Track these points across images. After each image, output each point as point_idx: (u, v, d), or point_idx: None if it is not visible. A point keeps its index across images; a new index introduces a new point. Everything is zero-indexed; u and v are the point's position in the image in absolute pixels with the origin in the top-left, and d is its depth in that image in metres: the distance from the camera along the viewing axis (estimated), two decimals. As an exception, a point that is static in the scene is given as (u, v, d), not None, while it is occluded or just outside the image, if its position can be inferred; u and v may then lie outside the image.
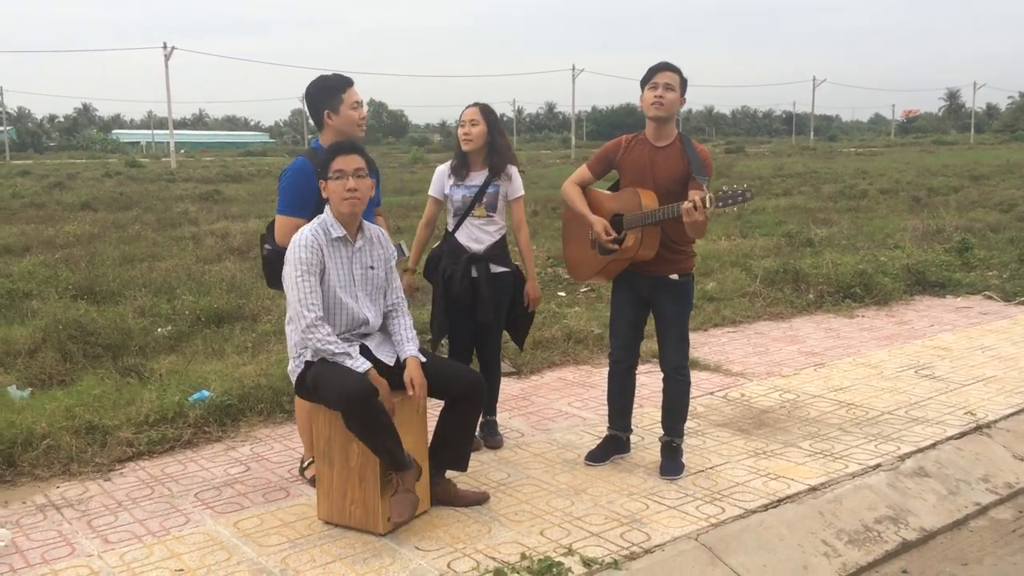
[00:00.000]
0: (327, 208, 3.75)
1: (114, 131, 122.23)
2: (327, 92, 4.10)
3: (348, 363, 3.60)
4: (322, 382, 3.61)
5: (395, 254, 3.99)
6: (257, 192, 24.49)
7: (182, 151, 70.31)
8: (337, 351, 3.61)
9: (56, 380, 5.90)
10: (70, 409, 4.93)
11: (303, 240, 3.66)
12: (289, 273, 3.64)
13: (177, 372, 5.89)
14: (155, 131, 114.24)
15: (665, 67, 4.23)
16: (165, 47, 51.19)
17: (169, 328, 7.24)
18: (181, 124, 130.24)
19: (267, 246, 4.16)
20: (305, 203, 3.96)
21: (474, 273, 4.60)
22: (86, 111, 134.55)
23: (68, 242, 12.90)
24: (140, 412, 4.97)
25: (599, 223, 4.26)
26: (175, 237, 13.80)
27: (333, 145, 3.77)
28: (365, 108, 4.22)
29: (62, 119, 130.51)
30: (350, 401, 3.49)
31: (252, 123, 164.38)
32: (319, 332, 3.61)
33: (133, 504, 4.09)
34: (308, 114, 4.27)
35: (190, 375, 5.73)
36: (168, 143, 55.31)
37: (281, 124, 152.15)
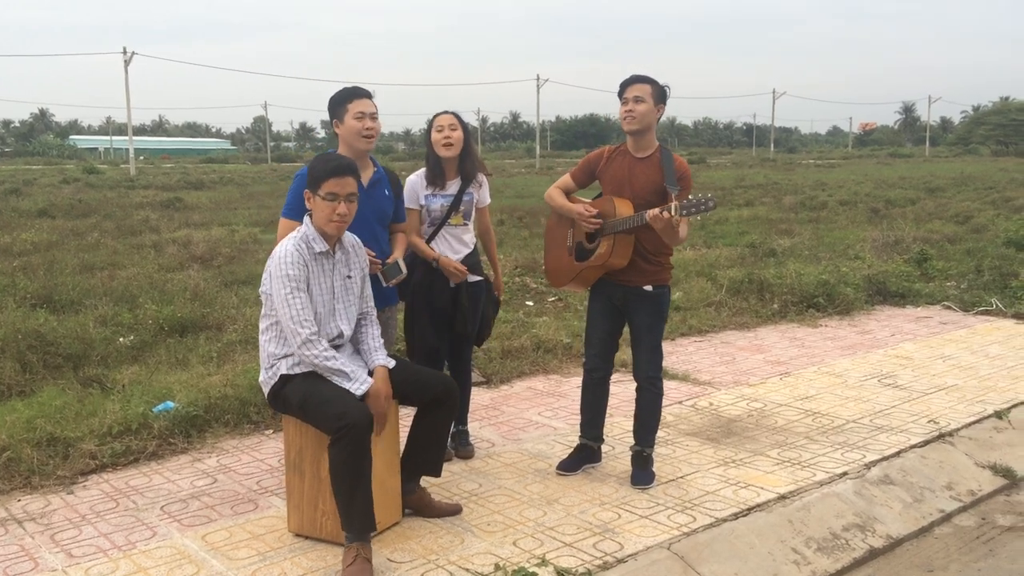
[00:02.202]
0: (307, 220, 3.70)
1: (71, 137, 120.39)
2: (336, 103, 4.11)
3: (346, 384, 3.55)
4: (313, 400, 3.53)
5: (367, 265, 3.95)
6: (219, 200, 24.18)
7: (141, 158, 69.34)
8: (335, 367, 3.56)
9: (15, 391, 5.75)
10: (30, 421, 4.82)
11: (288, 256, 3.58)
12: (278, 290, 3.56)
13: (140, 383, 5.79)
14: (113, 137, 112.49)
15: (634, 80, 4.26)
16: (125, 52, 50.47)
17: (131, 338, 7.11)
18: (140, 130, 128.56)
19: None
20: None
21: (452, 283, 4.59)
22: (42, 116, 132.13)
23: (25, 250, 12.63)
24: (103, 424, 4.87)
25: (579, 206, 4.34)
26: (136, 245, 13.59)
27: (330, 164, 3.63)
28: (376, 121, 4.10)
29: (17, 124, 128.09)
30: (350, 427, 3.40)
31: (213, 130, 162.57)
32: (316, 348, 3.55)
33: (97, 518, 4.00)
34: (314, 124, 4.25)
35: (154, 386, 5.64)
36: (127, 149, 54.46)
37: (243, 131, 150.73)
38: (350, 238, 3.85)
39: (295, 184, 4.04)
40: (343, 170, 3.62)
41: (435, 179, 4.60)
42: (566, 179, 4.53)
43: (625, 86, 4.26)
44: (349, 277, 3.80)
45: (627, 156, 4.34)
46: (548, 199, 4.53)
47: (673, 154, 4.33)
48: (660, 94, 4.26)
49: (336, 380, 3.56)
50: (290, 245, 3.62)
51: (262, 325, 3.72)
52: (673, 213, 3.97)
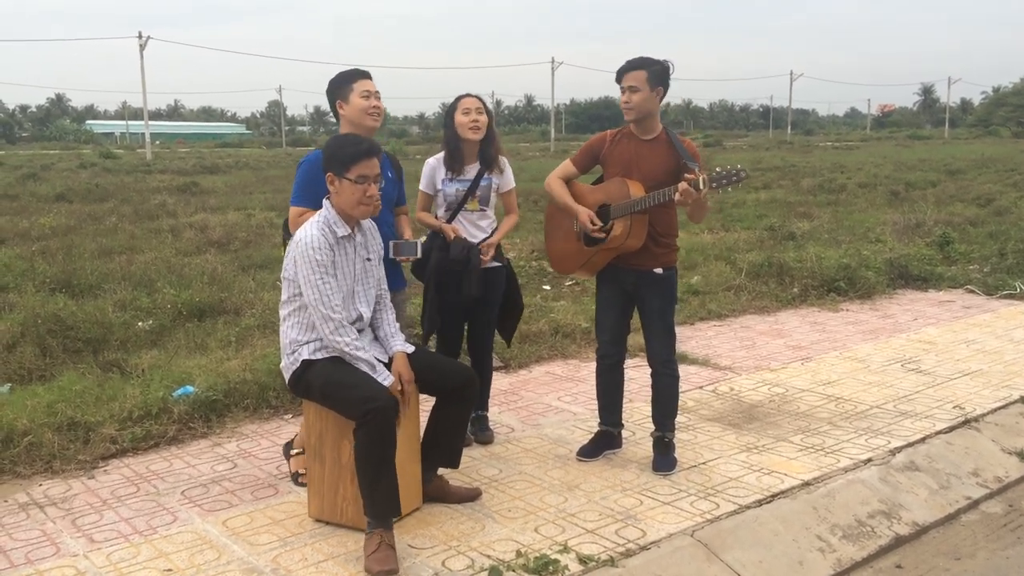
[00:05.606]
0: (327, 203, 3.65)
1: (87, 121, 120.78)
2: (339, 83, 4.08)
3: (372, 374, 3.53)
4: (336, 385, 3.51)
5: (382, 247, 3.91)
6: (235, 184, 24.18)
7: (157, 142, 69.55)
8: (364, 358, 3.54)
9: (36, 375, 5.78)
10: (51, 405, 4.83)
11: (314, 242, 3.53)
12: (307, 276, 3.52)
13: (160, 367, 5.79)
14: (129, 122, 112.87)
15: (627, 68, 4.16)
16: (140, 36, 50.57)
17: (150, 322, 7.12)
18: (156, 115, 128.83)
19: (286, 235, 4.11)
20: (319, 195, 3.88)
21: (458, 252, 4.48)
22: (59, 101, 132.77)
23: (44, 234, 12.69)
24: (123, 408, 4.88)
25: (584, 212, 4.25)
26: (153, 229, 13.62)
27: (361, 146, 3.57)
28: (380, 100, 4.09)
29: (34, 109, 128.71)
30: (377, 410, 3.38)
31: (228, 114, 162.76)
32: (348, 336, 3.53)
33: (118, 502, 4.00)
34: (328, 108, 4.23)
35: (173, 370, 5.63)
36: (143, 134, 54.68)
37: (258, 115, 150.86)
38: (366, 221, 3.81)
39: (301, 173, 3.99)
40: (373, 151, 3.58)
41: (453, 164, 4.53)
42: (567, 165, 4.43)
43: (620, 75, 4.17)
44: (368, 260, 3.77)
45: (632, 139, 4.26)
46: (548, 189, 4.42)
47: (678, 135, 4.27)
48: (657, 76, 4.13)
49: (362, 368, 3.54)
50: (314, 230, 3.57)
51: (283, 311, 3.69)
52: (701, 187, 3.90)
